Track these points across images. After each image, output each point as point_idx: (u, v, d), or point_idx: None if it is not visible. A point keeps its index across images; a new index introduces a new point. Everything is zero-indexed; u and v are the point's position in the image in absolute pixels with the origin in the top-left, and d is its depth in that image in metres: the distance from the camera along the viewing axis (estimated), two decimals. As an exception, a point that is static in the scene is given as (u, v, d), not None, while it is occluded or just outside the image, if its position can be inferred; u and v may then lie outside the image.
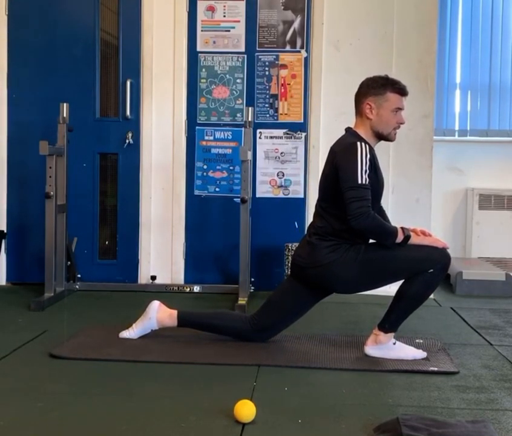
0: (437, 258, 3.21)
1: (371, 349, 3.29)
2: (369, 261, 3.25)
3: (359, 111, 3.37)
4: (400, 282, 3.30)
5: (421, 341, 3.57)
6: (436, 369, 3.12)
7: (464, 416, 2.53)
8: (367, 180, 3.18)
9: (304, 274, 3.36)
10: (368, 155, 3.20)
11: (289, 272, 3.48)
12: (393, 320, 3.27)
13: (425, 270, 3.19)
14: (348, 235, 3.26)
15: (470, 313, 4.39)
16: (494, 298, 4.93)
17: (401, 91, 3.36)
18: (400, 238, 3.20)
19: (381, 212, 3.47)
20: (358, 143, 3.21)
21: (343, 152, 3.25)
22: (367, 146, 3.24)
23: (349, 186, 3.17)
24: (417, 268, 3.20)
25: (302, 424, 2.45)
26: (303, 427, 2.43)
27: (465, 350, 3.49)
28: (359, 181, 3.16)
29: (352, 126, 3.41)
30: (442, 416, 2.52)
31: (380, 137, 3.36)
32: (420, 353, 3.29)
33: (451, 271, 5.31)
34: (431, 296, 4.85)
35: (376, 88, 3.32)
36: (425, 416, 2.46)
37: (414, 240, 3.23)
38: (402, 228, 3.22)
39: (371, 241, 3.33)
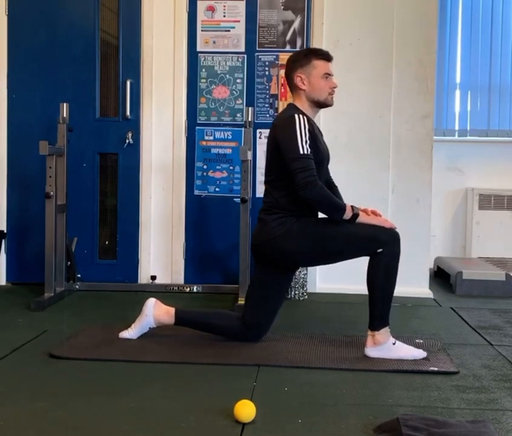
0: (384, 237, 3.24)
1: (371, 351, 3.28)
2: (318, 234, 3.31)
3: (292, 86, 3.47)
4: None
5: (421, 341, 3.57)
6: (436, 369, 3.12)
7: (464, 416, 2.54)
8: (309, 150, 3.25)
9: (259, 252, 3.43)
10: (307, 126, 3.29)
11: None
12: (377, 315, 3.27)
13: (374, 250, 3.22)
14: (294, 207, 3.33)
15: (470, 313, 4.39)
16: (494, 298, 4.93)
17: (325, 56, 3.46)
18: (348, 214, 3.25)
19: (333, 188, 3.55)
20: (296, 116, 3.30)
21: (282, 126, 3.34)
22: (305, 117, 3.32)
23: (292, 158, 3.24)
24: (365, 247, 3.26)
25: (302, 424, 2.45)
26: (303, 427, 2.43)
27: (465, 350, 3.49)
28: (301, 152, 3.23)
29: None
30: (442, 416, 2.52)
31: (318, 104, 3.46)
32: (420, 353, 3.29)
33: (451, 271, 5.32)
34: (431, 296, 4.88)
35: (302, 59, 3.44)
36: (425, 416, 2.45)
37: (363, 219, 3.28)
38: (351, 206, 3.28)
39: (320, 216, 3.38)
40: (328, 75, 3.42)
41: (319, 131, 3.51)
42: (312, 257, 3.42)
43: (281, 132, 3.33)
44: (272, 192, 3.40)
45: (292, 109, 3.41)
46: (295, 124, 3.27)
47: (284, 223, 3.32)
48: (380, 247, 3.22)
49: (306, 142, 3.25)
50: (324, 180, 3.42)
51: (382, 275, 3.24)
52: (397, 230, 3.29)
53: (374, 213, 3.33)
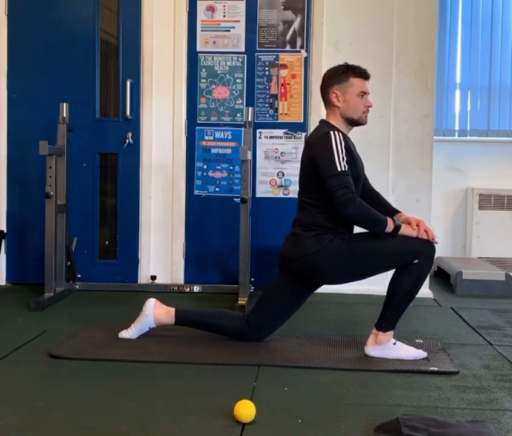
0: (422, 249, 3.20)
1: (371, 350, 3.29)
2: (353, 250, 3.27)
3: (327, 102, 3.43)
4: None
5: (421, 341, 3.57)
6: (436, 369, 3.12)
7: (464, 416, 2.54)
8: (346, 166, 3.21)
9: (290, 266, 3.38)
10: (343, 143, 3.25)
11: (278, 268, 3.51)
12: (389, 317, 3.26)
13: (410, 261, 3.19)
14: (331, 225, 3.29)
15: (470, 313, 4.39)
16: (494, 298, 4.94)
17: (363, 74, 3.41)
18: (390, 227, 3.21)
19: (375, 195, 3.52)
20: (331, 133, 3.26)
21: (318, 144, 3.30)
22: (341, 134, 3.28)
23: (329, 175, 3.20)
24: (401, 259, 3.21)
25: (302, 424, 2.45)
26: (303, 427, 2.43)
27: (465, 350, 3.49)
28: (339, 169, 3.19)
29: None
30: (442, 416, 2.52)
31: (351, 122, 3.42)
32: (420, 353, 3.29)
33: (451, 271, 5.32)
34: (431, 296, 4.88)
35: (339, 76, 3.38)
36: (425, 416, 2.46)
37: (404, 231, 3.23)
38: (393, 218, 3.24)
39: (355, 231, 3.35)
40: (364, 93, 3.38)
41: (354, 146, 3.47)
42: (346, 274, 3.37)
43: (317, 150, 3.28)
44: (309, 209, 3.34)
45: (326, 126, 3.36)
46: (331, 141, 3.23)
47: (319, 240, 3.28)
48: (416, 259, 3.19)
49: (343, 158, 3.21)
50: (360, 194, 3.38)
51: (410, 284, 3.21)
52: (436, 241, 3.26)
53: (417, 224, 3.24)
